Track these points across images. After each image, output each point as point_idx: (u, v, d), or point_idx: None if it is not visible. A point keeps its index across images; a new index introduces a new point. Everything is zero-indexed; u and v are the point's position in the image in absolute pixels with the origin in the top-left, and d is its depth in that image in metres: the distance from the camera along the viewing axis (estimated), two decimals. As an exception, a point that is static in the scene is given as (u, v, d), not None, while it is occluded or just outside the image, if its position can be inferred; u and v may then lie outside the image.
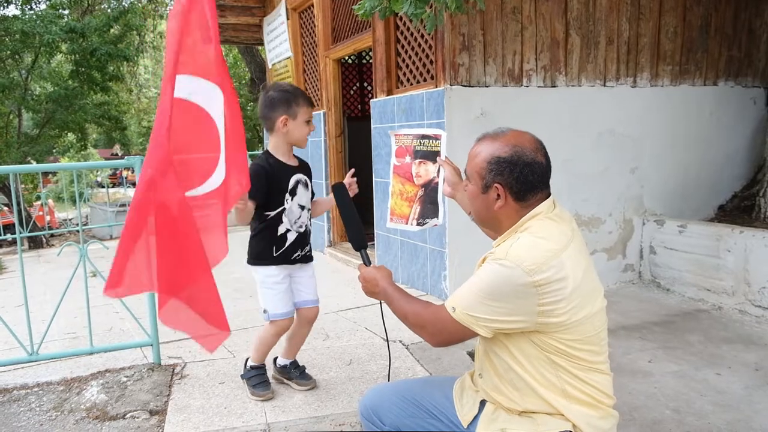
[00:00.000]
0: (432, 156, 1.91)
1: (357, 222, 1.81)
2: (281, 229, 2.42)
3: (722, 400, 2.50)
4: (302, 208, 2.47)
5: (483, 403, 1.54)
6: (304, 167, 2.54)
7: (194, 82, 1.86)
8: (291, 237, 2.44)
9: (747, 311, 3.54)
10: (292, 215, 2.44)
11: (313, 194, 2.59)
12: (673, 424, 2.32)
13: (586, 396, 1.43)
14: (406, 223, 1.98)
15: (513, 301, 1.36)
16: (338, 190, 1.90)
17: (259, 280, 2.48)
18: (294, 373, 2.67)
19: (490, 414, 1.50)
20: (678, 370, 2.81)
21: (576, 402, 1.42)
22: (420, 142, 1.95)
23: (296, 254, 2.48)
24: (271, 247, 2.43)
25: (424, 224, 1.94)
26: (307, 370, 2.70)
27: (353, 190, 2.44)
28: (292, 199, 2.43)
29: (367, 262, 1.76)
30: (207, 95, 1.88)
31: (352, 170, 2.55)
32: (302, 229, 2.48)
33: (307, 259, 2.55)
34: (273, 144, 2.45)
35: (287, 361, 2.69)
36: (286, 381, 2.68)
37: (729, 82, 4.61)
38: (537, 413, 1.45)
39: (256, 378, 2.58)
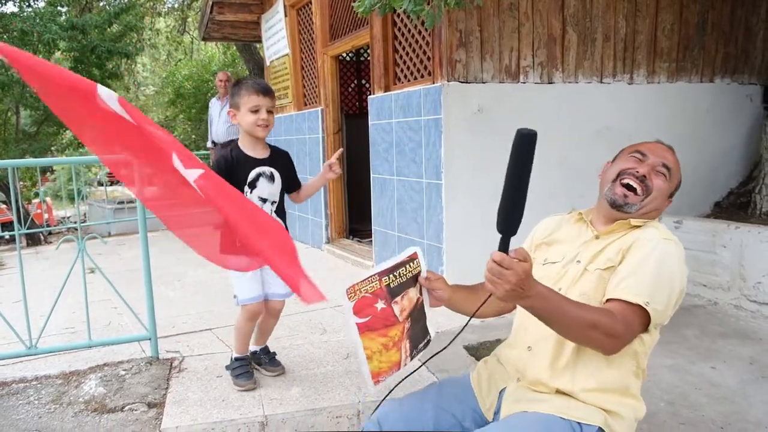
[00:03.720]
0: (413, 281, 1.58)
1: (521, 199, 1.21)
2: None
3: (717, 393, 2.52)
4: (264, 201, 2.47)
5: (501, 392, 1.56)
6: (275, 159, 2.50)
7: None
8: None
9: (742, 306, 3.56)
10: None
11: (298, 184, 2.61)
12: (668, 416, 2.34)
13: (634, 394, 1.50)
14: (399, 369, 1.54)
15: (681, 282, 1.44)
16: (524, 142, 1.16)
17: None
18: (264, 359, 2.74)
19: (512, 394, 1.51)
20: (673, 363, 2.83)
21: (632, 398, 1.48)
22: (394, 277, 1.54)
23: None
24: None
25: (419, 353, 1.61)
26: (304, 363, 2.72)
27: (335, 171, 2.49)
28: (251, 192, 2.43)
29: (504, 249, 1.23)
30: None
31: (340, 150, 2.56)
32: None
33: None
34: (240, 136, 2.50)
35: (257, 348, 2.76)
36: (257, 367, 2.74)
37: (725, 79, 4.63)
38: (569, 396, 1.43)
39: (239, 369, 2.63)
